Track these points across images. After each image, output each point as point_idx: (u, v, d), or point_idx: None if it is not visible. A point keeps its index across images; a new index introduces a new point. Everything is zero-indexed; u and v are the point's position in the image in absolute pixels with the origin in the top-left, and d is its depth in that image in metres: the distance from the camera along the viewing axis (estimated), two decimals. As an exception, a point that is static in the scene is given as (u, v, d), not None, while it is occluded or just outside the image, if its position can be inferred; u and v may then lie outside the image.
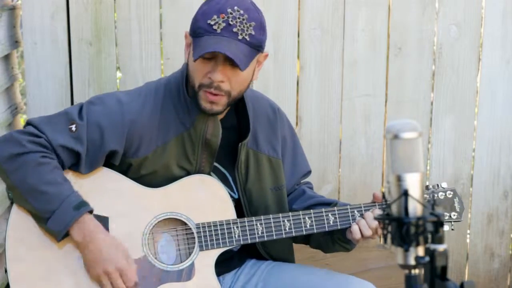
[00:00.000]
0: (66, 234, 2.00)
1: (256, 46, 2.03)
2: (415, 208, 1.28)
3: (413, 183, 1.29)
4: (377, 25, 2.92)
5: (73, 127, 2.04)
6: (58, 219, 1.97)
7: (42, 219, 1.99)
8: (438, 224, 1.26)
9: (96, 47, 2.73)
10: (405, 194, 1.28)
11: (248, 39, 1.99)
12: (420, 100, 2.99)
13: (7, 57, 2.68)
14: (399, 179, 1.29)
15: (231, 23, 1.97)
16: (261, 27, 2.04)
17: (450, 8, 2.94)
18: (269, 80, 2.87)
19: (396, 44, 2.94)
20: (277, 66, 2.87)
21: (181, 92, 2.12)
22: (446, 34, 2.96)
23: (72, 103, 2.73)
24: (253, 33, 2.00)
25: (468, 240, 3.14)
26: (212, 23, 1.98)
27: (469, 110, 3.02)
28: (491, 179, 3.10)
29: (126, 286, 2.00)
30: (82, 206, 1.99)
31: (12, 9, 2.70)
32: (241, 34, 1.98)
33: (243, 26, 1.98)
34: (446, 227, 2.17)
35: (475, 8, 2.95)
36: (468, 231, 3.14)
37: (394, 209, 1.30)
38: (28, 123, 2.08)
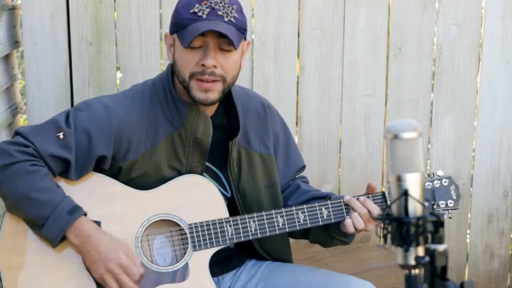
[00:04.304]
0: (62, 239, 2.00)
1: (241, 29, 2.05)
2: (415, 208, 1.28)
3: (413, 183, 1.29)
4: (377, 25, 2.92)
5: (61, 135, 2.04)
6: (53, 225, 1.97)
7: (36, 225, 2.00)
8: (438, 224, 1.26)
9: (96, 47, 2.73)
10: (405, 194, 1.28)
11: (233, 21, 2.02)
12: (420, 100, 2.99)
13: (7, 57, 2.68)
14: (399, 179, 1.29)
15: (215, 7, 2.01)
16: (241, 11, 2.08)
17: (450, 8, 2.94)
18: (269, 80, 2.87)
19: (396, 44, 2.94)
20: (277, 66, 2.87)
21: (168, 92, 2.12)
22: (446, 34, 2.96)
23: (72, 103, 2.73)
24: (236, 15, 2.03)
25: (468, 240, 3.15)
26: (196, 10, 2.00)
27: (469, 110, 3.03)
28: (491, 179, 3.10)
29: (132, 280, 2.00)
30: (76, 211, 1.99)
31: (12, 9, 2.70)
32: (226, 17, 2.01)
33: (227, 10, 2.02)
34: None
35: (475, 8, 2.95)
36: (468, 231, 3.14)
37: (394, 209, 1.30)
38: (16, 133, 2.09)
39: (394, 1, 2.92)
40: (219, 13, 2.00)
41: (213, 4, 2.00)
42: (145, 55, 2.76)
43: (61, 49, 2.71)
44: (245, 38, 2.10)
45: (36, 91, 2.72)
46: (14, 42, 2.71)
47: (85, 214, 2.01)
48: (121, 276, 1.98)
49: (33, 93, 2.72)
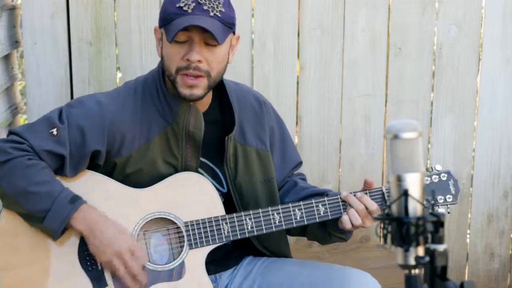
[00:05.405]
0: (63, 231, 2.00)
1: (228, 23, 2.05)
2: (415, 208, 1.28)
3: (413, 183, 1.29)
4: (377, 25, 2.92)
5: (54, 131, 2.05)
6: (54, 216, 1.97)
7: (37, 219, 2.00)
8: (438, 224, 1.26)
9: (96, 47, 2.73)
10: (405, 194, 1.28)
11: (219, 15, 2.02)
12: (420, 100, 2.99)
13: (7, 57, 2.68)
14: (399, 179, 1.29)
15: (200, 2, 2.01)
16: (229, 5, 2.07)
17: (450, 8, 2.95)
18: (269, 80, 2.87)
19: (396, 44, 2.94)
20: (277, 66, 2.87)
21: (159, 87, 2.13)
22: (446, 34, 2.96)
23: (72, 103, 2.73)
24: (223, 10, 2.03)
25: (468, 240, 3.15)
26: (182, 5, 2.01)
27: (469, 110, 3.03)
28: (491, 179, 3.10)
29: (139, 264, 2.00)
30: (76, 200, 2.00)
31: (12, 9, 2.70)
32: (212, 11, 2.01)
33: (213, 4, 2.02)
34: (442, 210, 2.14)
35: (475, 8, 2.95)
36: (468, 231, 3.14)
37: (394, 209, 1.30)
38: (10, 133, 2.10)
39: (394, 1, 2.92)
40: (205, 7, 2.00)
41: None
42: (145, 55, 2.76)
43: (61, 49, 2.71)
44: (233, 33, 2.10)
45: (36, 91, 2.72)
46: (14, 42, 2.71)
47: (86, 202, 2.02)
48: (129, 260, 1.99)
49: (33, 93, 2.73)
